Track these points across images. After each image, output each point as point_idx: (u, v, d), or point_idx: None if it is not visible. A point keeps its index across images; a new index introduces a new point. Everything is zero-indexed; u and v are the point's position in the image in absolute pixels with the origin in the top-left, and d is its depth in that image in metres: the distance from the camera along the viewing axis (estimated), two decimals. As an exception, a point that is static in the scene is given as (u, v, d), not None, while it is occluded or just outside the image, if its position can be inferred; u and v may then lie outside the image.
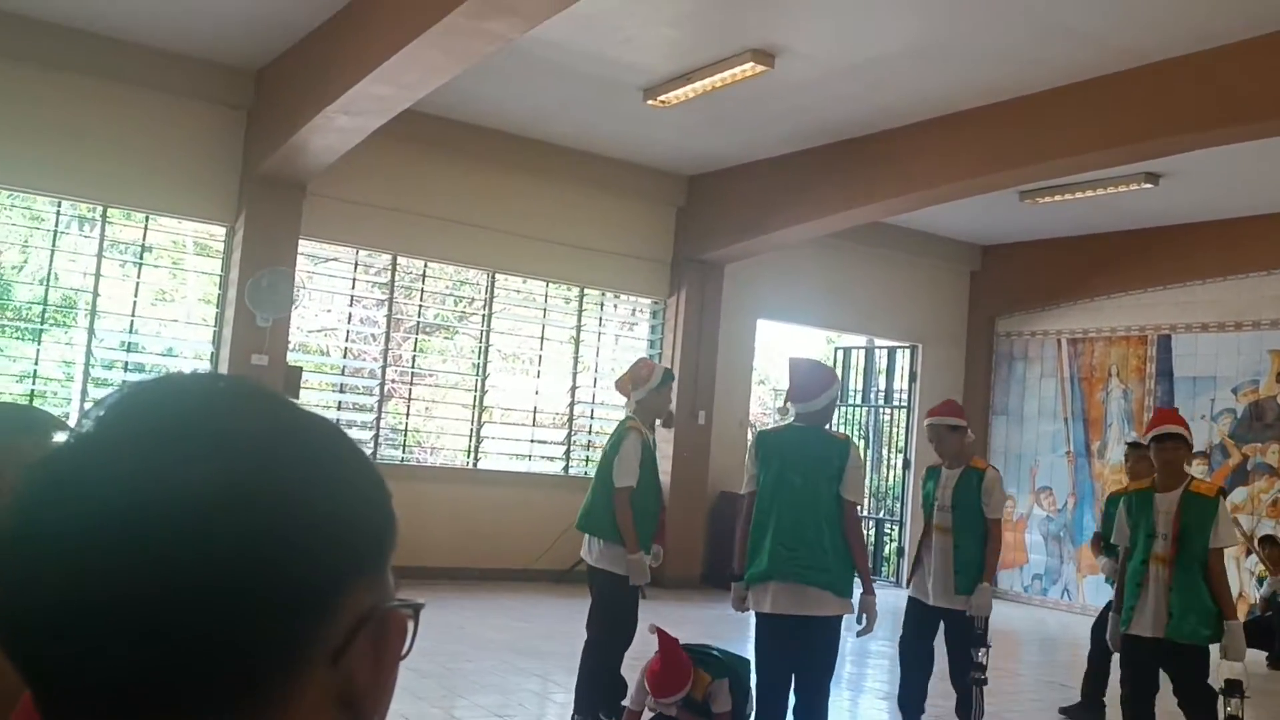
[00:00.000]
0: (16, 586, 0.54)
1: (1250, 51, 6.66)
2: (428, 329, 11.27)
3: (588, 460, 10.63)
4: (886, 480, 13.65)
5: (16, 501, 0.56)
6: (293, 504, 0.57)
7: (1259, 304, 10.54)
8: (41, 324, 8.74)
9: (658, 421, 5.63)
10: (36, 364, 8.66)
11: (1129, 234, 11.48)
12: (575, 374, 10.82)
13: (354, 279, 9.97)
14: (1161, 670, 4.84)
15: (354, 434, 9.73)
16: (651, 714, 4.68)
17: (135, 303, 8.82)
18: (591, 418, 10.98)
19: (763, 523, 4.44)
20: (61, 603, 0.53)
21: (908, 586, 5.69)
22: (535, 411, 10.86)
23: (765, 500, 4.46)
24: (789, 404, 4.64)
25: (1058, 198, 10.15)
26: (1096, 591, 11.48)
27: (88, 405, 8.67)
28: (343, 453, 0.62)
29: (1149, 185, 9.47)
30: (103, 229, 8.60)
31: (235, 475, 0.55)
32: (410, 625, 0.63)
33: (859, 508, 4.52)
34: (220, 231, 9.00)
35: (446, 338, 13.14)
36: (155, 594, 0.52)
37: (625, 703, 4.78)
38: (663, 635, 4.55)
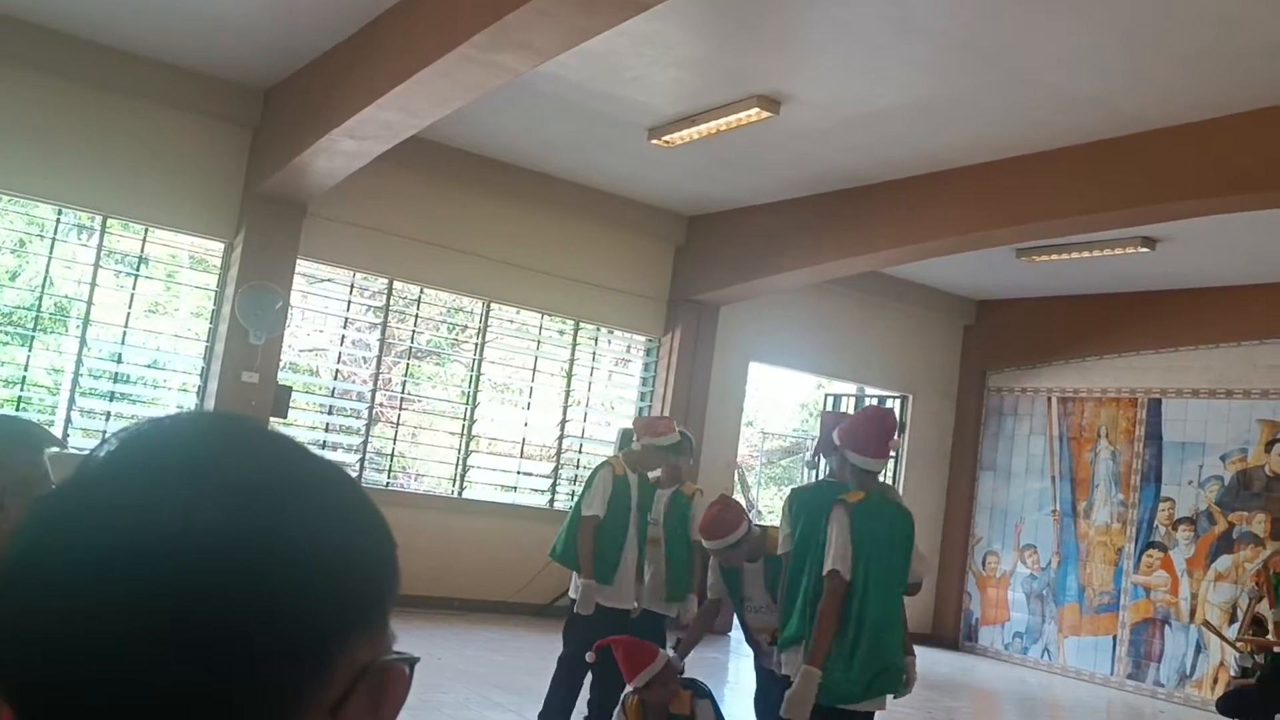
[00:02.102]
0: (16, 616, 0.53)
1: (1252, 123, 6.73)
2: (420, 354, 11.24)
3: (573, 494, 10.58)
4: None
5: (22, 532, 0.56)
6: (299, 551, 0.56)
7: (1250, 373, 10.58)
8: (33, 330, 8.71)
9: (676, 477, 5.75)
10: (26, 370, 8.61)
11: (1124, 296, 11.54)
12: (566, 407, 10.79)
13: (349, 301, 9.96)
14: None
15: (339, 456, 9.69)
16: None
17: (129, 314, 8.80)
18: (580, 452, 10.93)
19: (795, 583, 4.24)
20: (58, 635, 0.52)
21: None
22: (523, 443, 10.82)
23: (797, 561, 4.27)
24: (818, 457, 4.56)
25: (1054, 257, 10.21)
26: (1078, 652, 11.43)
27: (75, 413, 8.62)
28: (353, 503, 0.62)
29: (1145, 249, 9.53)
30: (101, 238, 8.59)
31: (242, 518, 0.55)
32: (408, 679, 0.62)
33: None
34: (218, 247, 9.00)
35: (438, 364, 13.13)
36: (153, 632, 0.52)
37: None
38: (614, 639, 4.58)
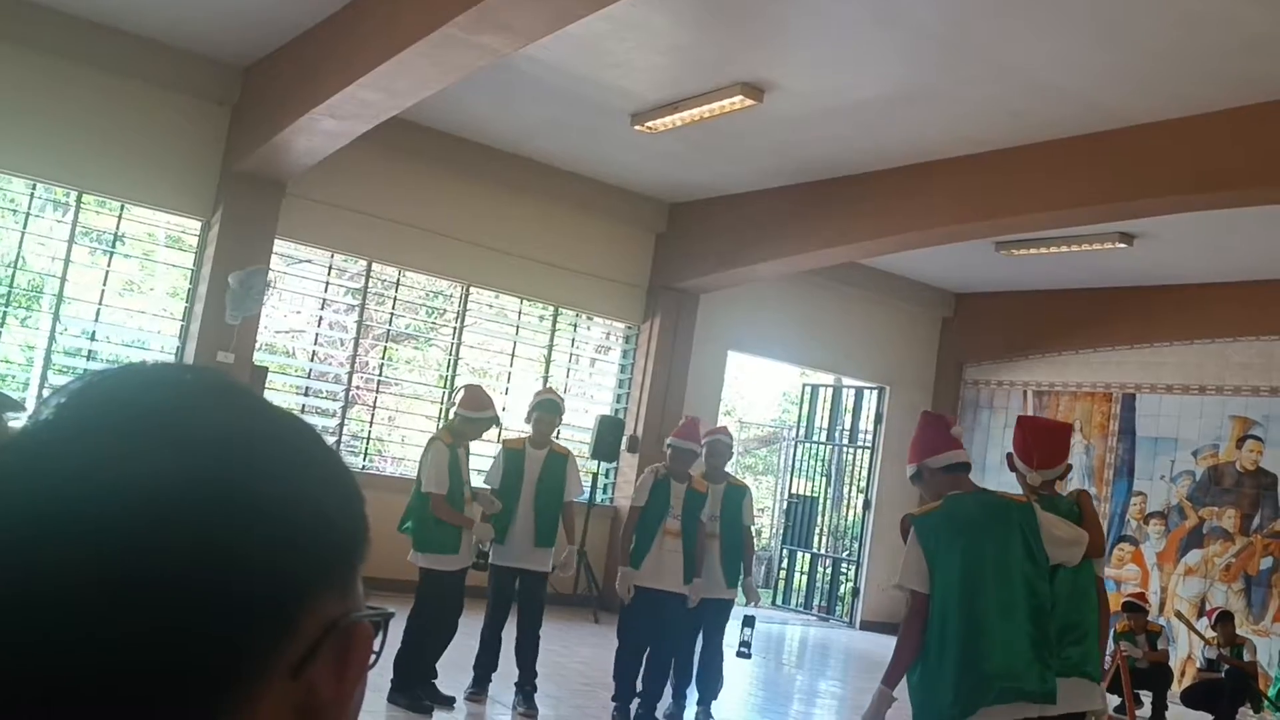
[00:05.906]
0: None
1: (1229, 121, 6.78)
2: (397, 338, 11.18)
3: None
4: (846, 519, 13.67)
5: None
6: (258, 505, 0.53)
7: (1223, 369, 10.68)
8: (6, 307, 8.61)
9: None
10: (-3, 346, 8.51)
11: (1101, 292, 11.61)
12: (543, 393, 10.76)
13: (327, 282, 9.89)
14: None
15: (316, 439, 9.63)
16: None
17: (103, 291, 8.70)
18: (557, 437, 10.88)
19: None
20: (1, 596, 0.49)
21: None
22: (501, 428, 10.77)
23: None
24: (1038, 471, 4.32)
25: (1033, 251, 10.25)
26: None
27: (47, 391, 8.50)
28: (316, 455, 0.59)
29: (1123, 245, 9.59)
30: (76, 215, 8.49)
31: (199, 471, 0.52)
32: (381, 636, 0.60)
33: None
34: (195, 226, 8.91)
35: (416, 348, 13.07)
36: (102, 592, 0.49)
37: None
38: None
